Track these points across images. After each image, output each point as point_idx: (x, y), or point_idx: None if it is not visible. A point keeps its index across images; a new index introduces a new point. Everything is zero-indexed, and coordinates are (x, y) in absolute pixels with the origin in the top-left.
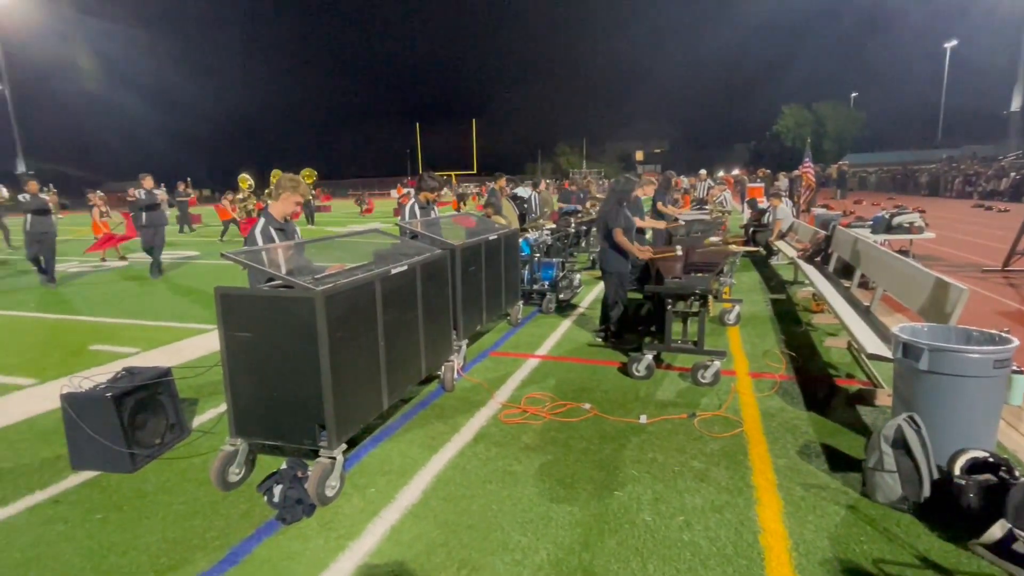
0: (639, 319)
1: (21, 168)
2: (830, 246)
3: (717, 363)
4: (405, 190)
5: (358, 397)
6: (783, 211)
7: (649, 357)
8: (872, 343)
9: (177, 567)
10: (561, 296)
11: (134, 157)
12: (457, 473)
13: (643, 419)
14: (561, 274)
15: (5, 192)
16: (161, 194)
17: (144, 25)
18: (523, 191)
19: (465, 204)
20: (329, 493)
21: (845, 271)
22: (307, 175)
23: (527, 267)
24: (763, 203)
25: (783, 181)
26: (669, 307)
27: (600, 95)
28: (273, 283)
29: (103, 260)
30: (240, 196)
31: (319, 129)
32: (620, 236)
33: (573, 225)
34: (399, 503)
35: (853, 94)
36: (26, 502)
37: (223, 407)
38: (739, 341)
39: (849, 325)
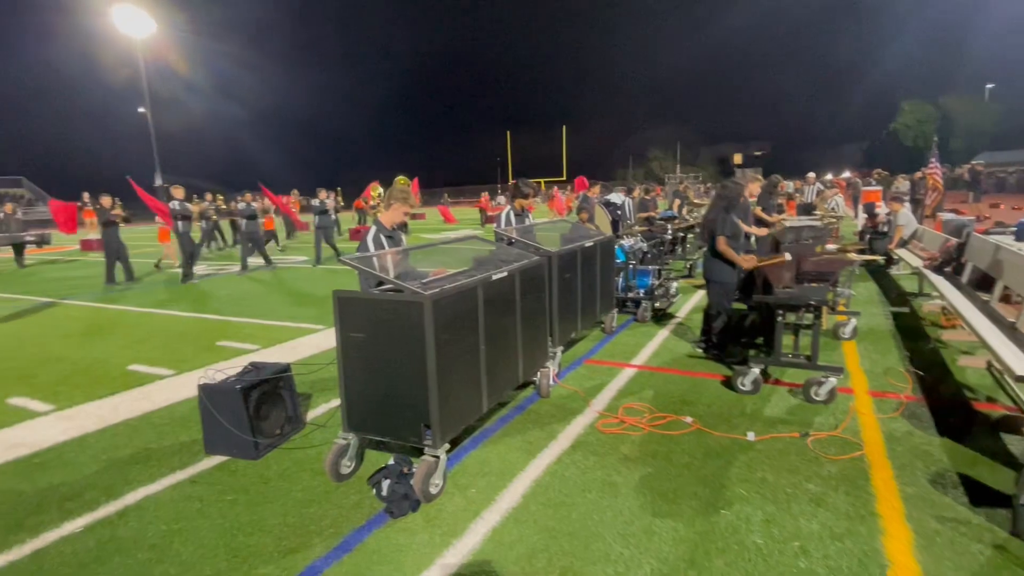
0: (742, 330)
1: (159, 182)
2: (963, 255)
3: (833, 380)
4: (496, 200)
5: (460, 399)
6: (905, 216)
7: (756, 371)
8: (1020, 363)
9: (297, 550)
10: (657, 305)
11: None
12: (556, 480)
13: (751, 436)
14: (657, 282)
15: (120, 212)
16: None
17: (252, 49)
18: (616, 197)
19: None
20: (433, 491)
21: (982, 283)
22: (402, 183)
23: (621, 274)
24: (881, 208)
25: (903, 184)
26: (779, 318)
27: (694, 97)
28: (383, 287)
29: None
30: (372, 204)
31: (413, 138)
32: (723, 244)
33: (670, 231)
34: (499, 505)
35: (988, 85)
36: (169, 480)
37: (334, 402)
38: (856, 357)
39: (990, 343)
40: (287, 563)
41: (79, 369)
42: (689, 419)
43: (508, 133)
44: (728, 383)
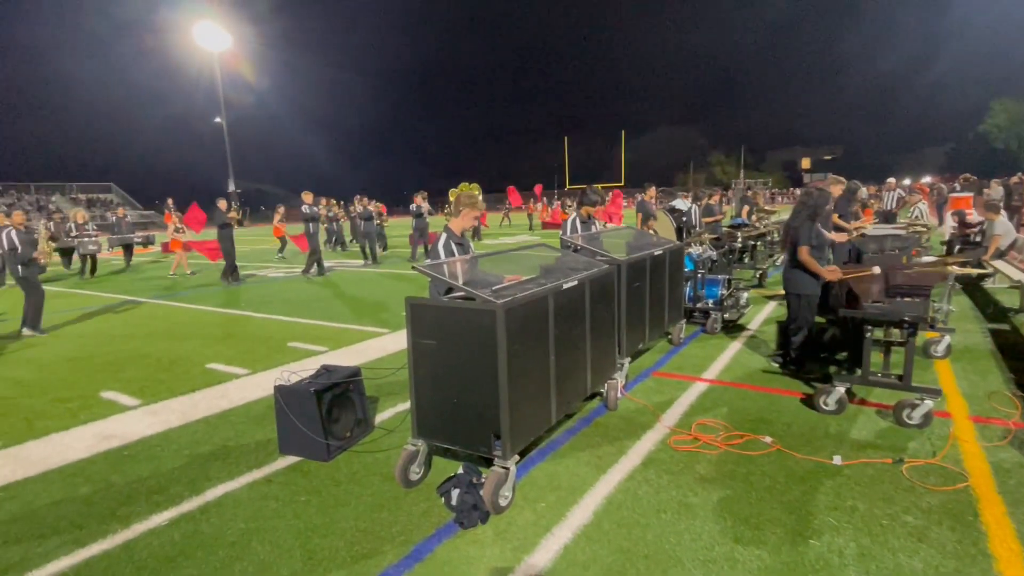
0: (823, 345)
1: (231, 187)
2: None
3: (929, 403)
4: (559, 206)
5: (530, 409)
6: (1003, 225)
7: (841, 390)
8: None
9: (369, 556)
10: (727, 316)
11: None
12: (628, 498)
13: (837, 460)
14: (727, 292)
15: (236, 215)
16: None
17: (318, 60)
18: (681, 203)
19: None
20: (502, 503)
21: None
22: (466, 189)
23: (689, 284)
24: (972, 215)
25: (997, 190)
26: (868, 335)
27: (759, 98)
28: (454, 294)
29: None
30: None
31: (472, 145)
32: (805, 255)
33: (740, 239)
34: (570, 522)
35: None
36: (246, 478)
37: (401, 407)
38: (952, 378)
39: None
40: (359, 569)
41: (162, 366)
42: (768, 439)
43: (566, 139)
44: (809, 401)
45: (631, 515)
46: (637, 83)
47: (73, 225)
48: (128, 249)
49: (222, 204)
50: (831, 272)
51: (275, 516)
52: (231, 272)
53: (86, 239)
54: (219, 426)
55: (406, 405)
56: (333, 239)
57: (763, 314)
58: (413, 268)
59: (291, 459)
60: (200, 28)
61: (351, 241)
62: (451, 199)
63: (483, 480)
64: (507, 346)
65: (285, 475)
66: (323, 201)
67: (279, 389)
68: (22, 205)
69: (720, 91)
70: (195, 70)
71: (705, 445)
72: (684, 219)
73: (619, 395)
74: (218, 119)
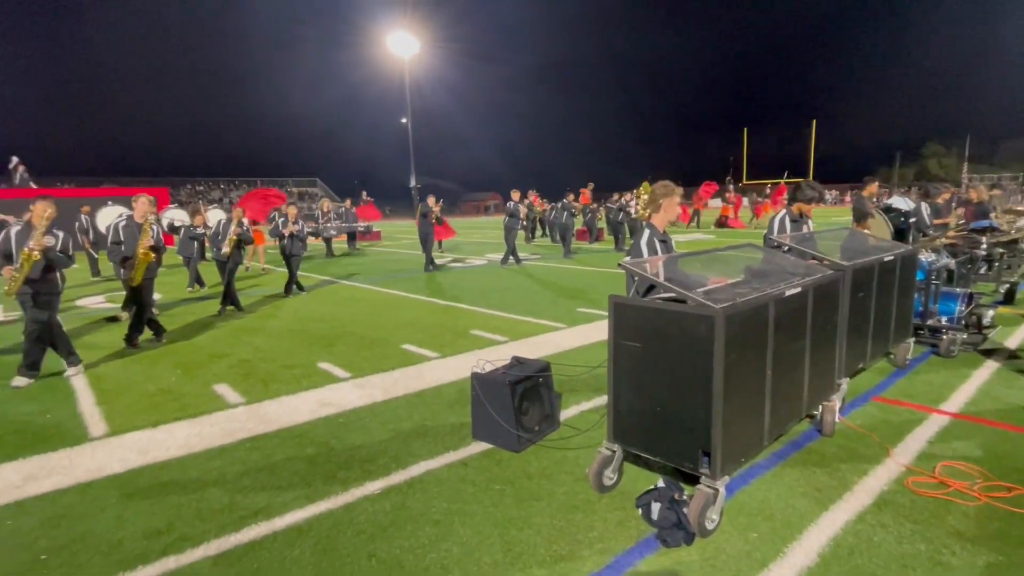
0: None
1: (413, 183)
2: None
3: None
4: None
5: (742, 428)
6: None
7: None
8: None
9: (567, 559)
10: (965, 337)
11: (494, 175)
12: (861, 543)
13: None
14: (966, 308)
15: (437, 211)
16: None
17: (495, 62)
18: (900, 201)
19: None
20: (709, 525)
21: None
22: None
23: (918, 296)
24: None
25: None
26: None
27: (991, 77)
28: (657, 294)
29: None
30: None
31: (635, 139)
32: None
33: (984, 245)
34: (790, 560)
35: None
36: (445, 459)
37: (584, 405)
38: None
39: None
40: (560, 570)
41: (365, 344)
42: None
43: (745, 130)
44: None
45: (868, 565)
46: (829, 66)
47: (319, 213)
48: (351, 236)
49: (431, 200)
50: None
51: (473, 500)
52: (429, 262)
53: (328, 225)
54: (417, 405)
55: (590, 404)
56: (529, 232)
57: (1017, 337)
58: (619, 266)
59: (483, 445)
60: (393, 37)
61: (542, 234)
62: (641, 195)
63: (685, 497)
64: (724, 355)
65: (479, 460)
66: (530, 196)
67: (476, 376)
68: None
69: (935, 68)
70: (386, 76)
71: (958, 493)
72: (907, 220)
73: (836, 419)
74: (404, 119)
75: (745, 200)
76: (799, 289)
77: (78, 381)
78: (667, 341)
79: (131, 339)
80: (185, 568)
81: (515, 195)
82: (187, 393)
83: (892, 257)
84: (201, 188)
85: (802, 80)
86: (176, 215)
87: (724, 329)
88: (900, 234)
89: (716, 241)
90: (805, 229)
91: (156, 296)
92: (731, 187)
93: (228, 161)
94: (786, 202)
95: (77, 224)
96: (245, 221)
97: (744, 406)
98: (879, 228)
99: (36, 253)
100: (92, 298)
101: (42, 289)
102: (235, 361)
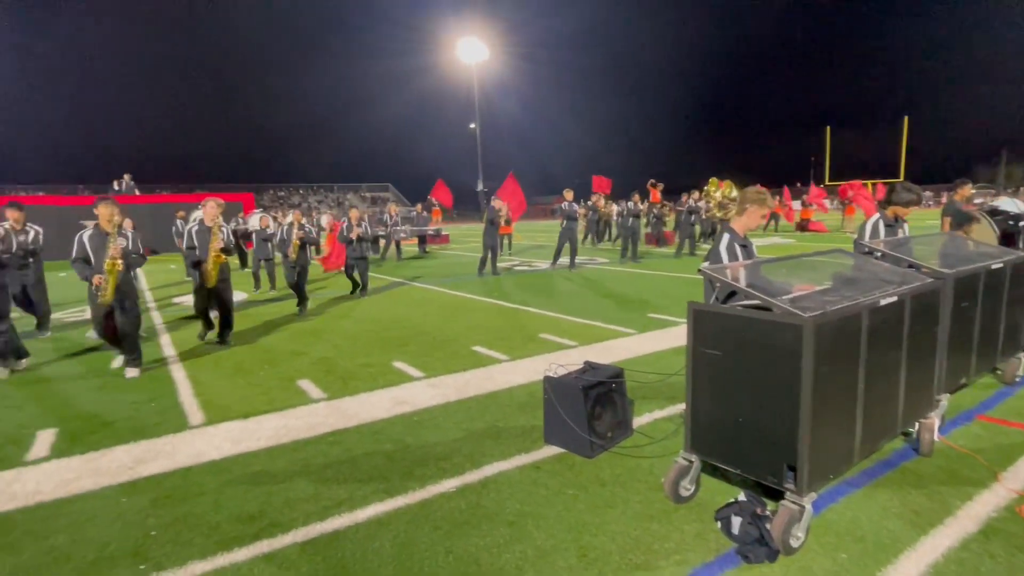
0: None
1: (480, 187)
2: None
3: None
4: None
5: (831, 443)
6: None
7: None
8: None
9: (643, 568)
10: None
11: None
12: (967, 572)
13: None
14: None
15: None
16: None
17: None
18: (1010, 204)
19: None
20: (794, 544)
21: None
22: (719, 185)
23: None
24: None
25: None
26: None
27: None
28: (739, 301)
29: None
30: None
31: (707, 136)
32: None
33: None
34: None
35: None
36: (517, 461)
37: (657, 414)
38: None
39: None
40: None
41: (437, 344)
42: None
43: (828, 129)
44: None
45: None
46: (925, 58)
47: (388, 217)
48: (422, 239)
49: (496, 203)
50: None
51: (546, 504)
52: (491, 263)
53: (398, 228)
54: (488, 406)
55: (663, 412)
56: (591, 234)
57: None
58: (699, 271)
59: (554, 449)
60: (462, 44)
61: (615, 239)
62: (711, 193)
63: (768, 512)
64: (815, 367)
65: (551, 464)
66: (594, 199)
67: (549, 380)
68: (327, 202)
69: None
70: (455, 82)
71: None
72: (1017, 223)
73: (935, 438)
74: (472, 125)
75: (827, 202)
76: (895, 298)
77: (177, 373)
78: (750, 350)
79: (223, 337)
80: (277, 552)
81: (568, 195)
82: (273, 387)
83: (1000, 264)
84: (282, 194)
85: (892, 72)
86: (251, 221)
87: (813, 339)
88: (1008, 239)
89: (799, 246)
90: (900, 234)
91: (241, 296)
92: (810, 188)
93: (308, 169)
94: (880, 205)
95: (173, 228)
96: (305, 223)
97: (833, 420)
98: (983, 233)
99: (119, 263)
100: (187, 296)
101: (127, 289)
102: (315, 359)
